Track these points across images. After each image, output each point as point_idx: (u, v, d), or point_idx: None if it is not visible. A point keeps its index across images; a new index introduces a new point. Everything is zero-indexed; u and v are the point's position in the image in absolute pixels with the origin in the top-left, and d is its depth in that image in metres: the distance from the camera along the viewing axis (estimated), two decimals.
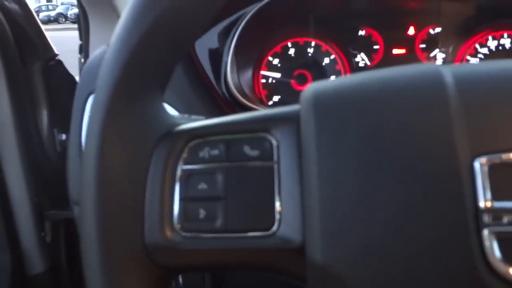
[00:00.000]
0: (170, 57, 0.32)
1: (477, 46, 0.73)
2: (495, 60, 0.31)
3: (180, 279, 0.62)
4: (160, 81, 0.33)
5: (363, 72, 0.32)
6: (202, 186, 0.31)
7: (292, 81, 0.73)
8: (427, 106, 0.28)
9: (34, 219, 0.99)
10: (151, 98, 0.32)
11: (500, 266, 0.25)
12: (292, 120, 0.31)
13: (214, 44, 0.68)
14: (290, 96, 0.73)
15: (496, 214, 0.26)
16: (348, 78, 0.31)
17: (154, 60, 0.31)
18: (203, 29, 0.33)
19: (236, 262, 0.31)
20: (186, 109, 0.62)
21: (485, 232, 0.26)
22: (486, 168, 0.26)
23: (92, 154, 0.30)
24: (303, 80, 0.73)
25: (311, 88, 0.31)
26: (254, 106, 0.65)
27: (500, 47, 0.72)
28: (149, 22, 0.30)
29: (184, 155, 0.32)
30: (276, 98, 0.74)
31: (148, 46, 0.31)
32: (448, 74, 0.29)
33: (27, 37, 0.90)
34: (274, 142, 0.31)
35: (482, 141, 0.27)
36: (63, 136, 1.05)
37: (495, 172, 0.26)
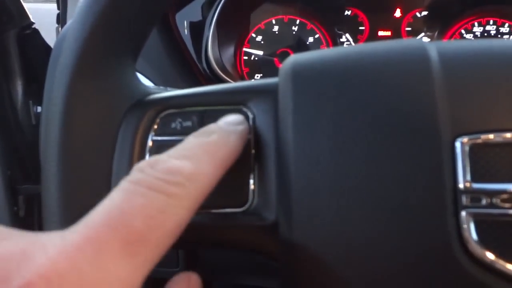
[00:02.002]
0: (142, 22, 0.30)
1: (462, 31, 0.72)
2: (481, 39, 0.30)
3: None
4: (131, 47, 0.31)
5: (346, 46, 0.31)
6: None
7: (275, 59, 0.71)
8: (409, 81, 0.27)
9: (7, 193, 0.97)
10: (121, 64, 0.31)
11: (477, 249, 0.25)
12: (270, 93, 0.30)
13: (196, 17, 0.66)
14: (273, 74, 0.71)
15: (475, 195, 0.25)
16: (329, 51, 0.30)
17: (124, 25, 0.29)
18: None
19: (208, 238, 0.30)
20: (165, 83, 0.60)
21: (463, 213, 0.25)
22: (467, 149, 0.25)
23: (55, 121, 0.28)
24: None
25: (290, 60, 0.30)
26: None
27: (485, 34, 0.72)
28: None
29: (155, 125, 0.30)
30: (258, 76, 0.72)
31: (117, 9, 0.29)
32: (433, 49, 0.28)
33: (0, 2, 0.86)
34: (250, 116, 0.30)
35: (464, 120, 0.26)
36: (39, 109, 1.01)
37: (476, 153, 0.25)
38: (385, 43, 0.29)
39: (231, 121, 0.28)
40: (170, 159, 0.24)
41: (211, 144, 0.26)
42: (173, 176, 0.23)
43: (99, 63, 0.29)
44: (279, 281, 0.29)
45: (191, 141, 0.26)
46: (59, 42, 0.60)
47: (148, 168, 0.23)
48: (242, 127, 0.28)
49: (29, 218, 1.01)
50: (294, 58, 0.30)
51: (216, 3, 0.65)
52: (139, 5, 0.30)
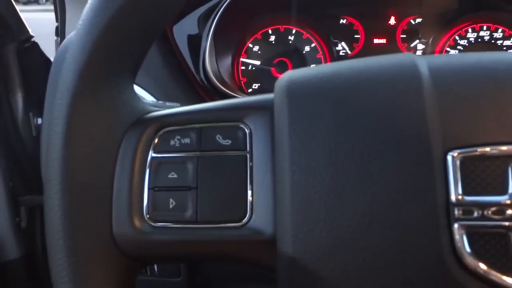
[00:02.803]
0: (140, 41, 0.31)
1: (456, 37, 0.73)
2: (471, 52, 0.31)
3: (156, 268, 0.62)
4: (130, 66, 0.32)
5: (339, 61, 0.31)
6: (172, 175, 0.30)
7: (272, 69, 0.72)
8: (401, 97, 0.28)
9: (9, 204, 0.97)
10: (121, 83, 0.31)
11: (470, 261, 0.25)
12: (266, 109, 0.31)
13: (193, 29, 0.66)
14: (270, 84, 0.72)
15: (467, 208, 0.26)
16: (323, 67, 0.30)
17: (123, 44, 0.30)
18: (175, 13, 0.32)
19: (206, 253, 0.31)
20: (164, 95, 0.61)
21: (455, 226, 0.25)
22: (458, 162, 0.26)
23: (57, 140, 0.29)
24: (283, 68, 0.72)
25: (285, 76, 0.31)
26: (233, 94, 0.64)
27: (479, 40, 0.72)
28: (117, 5, 0.29)
29: (155, 143, 0.31)
30: (255, 85, 0.73)
31: (116, 30, 0.29)
32: (423, 65, 0.29)
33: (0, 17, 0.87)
34: (247, 131, 0.31)
35: (455, 134, 0.26)
36: (39, 120, 1.02)
37: (467, 166, 0.26)
38: (377, 59, 0.30)
39: None
40: None
41: None
42: None
43: (99, 83, 0.30)
44: None
45: None
46: (59, 57, 0.60)
47: None
48: None
49: (31, 229, 1.01)
50: (289, 74, 0.31)
51: (213, 15, 0.65)
52: (137, 26, 0.30)
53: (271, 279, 0.57)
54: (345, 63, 0.31)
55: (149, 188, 0.30)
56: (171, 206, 0.30)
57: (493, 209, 0.25)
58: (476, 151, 0.26)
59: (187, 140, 0.31)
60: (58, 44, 0.98)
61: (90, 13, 0.30)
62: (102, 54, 0.30)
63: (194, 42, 0.66)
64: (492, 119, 0.26)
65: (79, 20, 0.31)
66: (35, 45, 0.98)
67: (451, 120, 0.27)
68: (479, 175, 0.26)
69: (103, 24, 0.29)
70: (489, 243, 0.25)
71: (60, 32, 0.91)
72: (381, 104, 0.28)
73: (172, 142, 0.31)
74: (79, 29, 0.30)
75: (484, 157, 0.26)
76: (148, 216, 0.30)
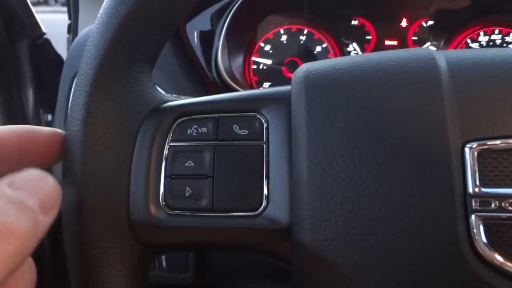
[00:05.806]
0: (159, 32, 0.31)
1: (468, 40, 0.73)
2: (488, 48, 0.31)
3: (164, 263, 0.62)
4: (148, 56, 0.32)
5: (356, 55, 0.31)
6: (189, 163, 0.31)
7: (283, 68, 0.72)
8: (419, 89, 0.28)
9: None
10: (139, 73, 0.32)
11: (486, 252, 0.25)
12: (283, 100, 0.31)
13: (206, 27, 0.67)
14: (281, 83, 0.72)
15: (484, 200, 0.26)
16: (341, 59, 0.31)
17: (142, 35, 0.30)
18: (195, 4, 0.32)
19: (222, 242, 0.31)
20: (175, 91, 0.61)
21: (473, 217, 0.26)
22: (476, 154, 0.26)
23: (77, 127, 0.29)
24: (294, 68, 0.73)
25: (303, 68, 0.31)
26: None
27: (491, 43, 0.72)
28: None
29: (172, 131, 0.31)
30: (266, 84, 0.73)
31: (136, 19, 0.30)
32: (442, 59, 0.29)
33: (14, 13, 0.88)
34: (264, 122, 0.31)
35: (473, 127, 0.27)
36: (49, 117, 1.03)
37: (485, 158, 0.26)
38: (395, 52, 0.30)
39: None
40: None
41: None
42: None
43: (119, 71, 0.30)
44: (291, 285, 0.30)
45: None
46: (75, 49, 0.61)
47: None
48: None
49: None
50: (306, 66, 0.31)
51: (226, 14, 0.66)
52: (157, 16, 0.31)
53: (279, 277, 0.57)
54: (363, 56, 0.31)
55: (165, 176, 0.30)
56: (187, 194, 0.30)
57: (511, 200, 0.25)
58: (494, 143, 0.26)
59: (204, 129, 0.31)
60: (70, 41, 0.99)
61: (111, 2, 0.31)
62: (122, 42, 0.30)
63: (207, 40, 0.66)
64: (510, 112, 0.27)
65: (100, 9, 0.31)
66: (48, 42, 0.99)
67: (469, 112, 0.27)
68: (496, 167, 0.26)
69: (124, 13, 0.30)
70: (506, 234, 0.25)
71: (73, 29, 0.91)
72: (399, 96, 0.28)
73: (189, 131, 0.31)
74: (100, 18, 0.31)
75: (502, 149, 0.26)
76: (164, 203, 0.30)
